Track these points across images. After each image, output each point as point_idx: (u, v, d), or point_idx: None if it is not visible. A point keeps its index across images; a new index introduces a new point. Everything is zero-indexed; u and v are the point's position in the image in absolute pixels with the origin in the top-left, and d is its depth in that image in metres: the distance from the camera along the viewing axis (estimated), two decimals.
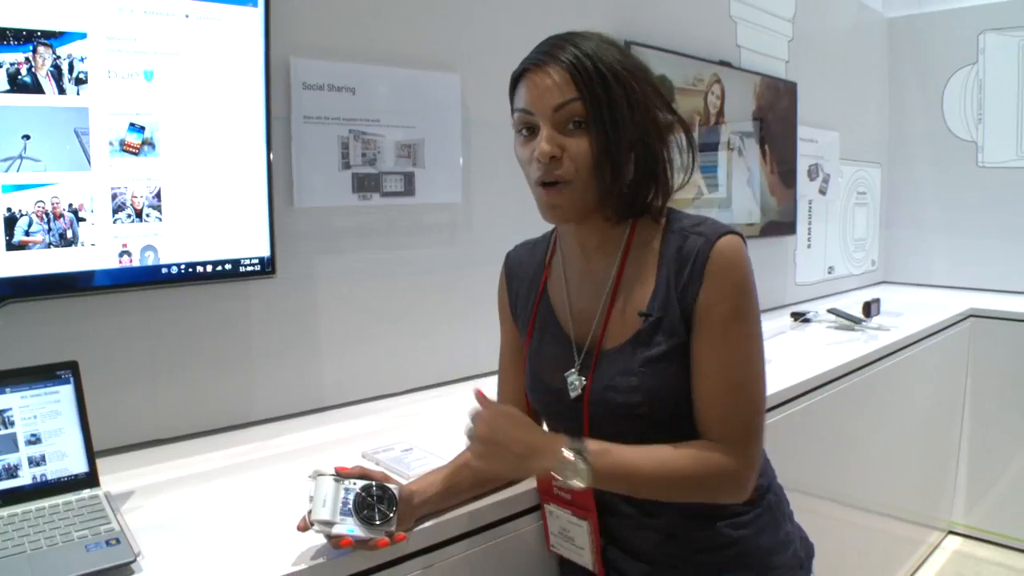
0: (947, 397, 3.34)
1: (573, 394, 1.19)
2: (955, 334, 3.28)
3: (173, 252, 1.58)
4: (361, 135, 1.88)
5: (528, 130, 1.14)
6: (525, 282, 1.34)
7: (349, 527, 1.10)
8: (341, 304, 1.90)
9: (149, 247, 1.56)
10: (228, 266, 1.66)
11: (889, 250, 4.18)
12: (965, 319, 3.37)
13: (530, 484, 1.35)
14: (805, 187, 3.58)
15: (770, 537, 1.22)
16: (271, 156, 1.69)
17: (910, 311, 3.27)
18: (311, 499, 1.11)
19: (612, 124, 1.09)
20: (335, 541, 1.09)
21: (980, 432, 3.43)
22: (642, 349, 1.14)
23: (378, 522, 1.11)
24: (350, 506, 1.11)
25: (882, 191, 4.18)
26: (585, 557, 1.24)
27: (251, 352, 1.77)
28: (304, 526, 1.10)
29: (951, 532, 3.54)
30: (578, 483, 1.08)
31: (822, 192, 3.72)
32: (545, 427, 1.29)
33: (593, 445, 1.10)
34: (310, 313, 1.86)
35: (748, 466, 1.11)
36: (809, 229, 3.69)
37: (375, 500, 1.13)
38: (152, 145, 1.54)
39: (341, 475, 1.14)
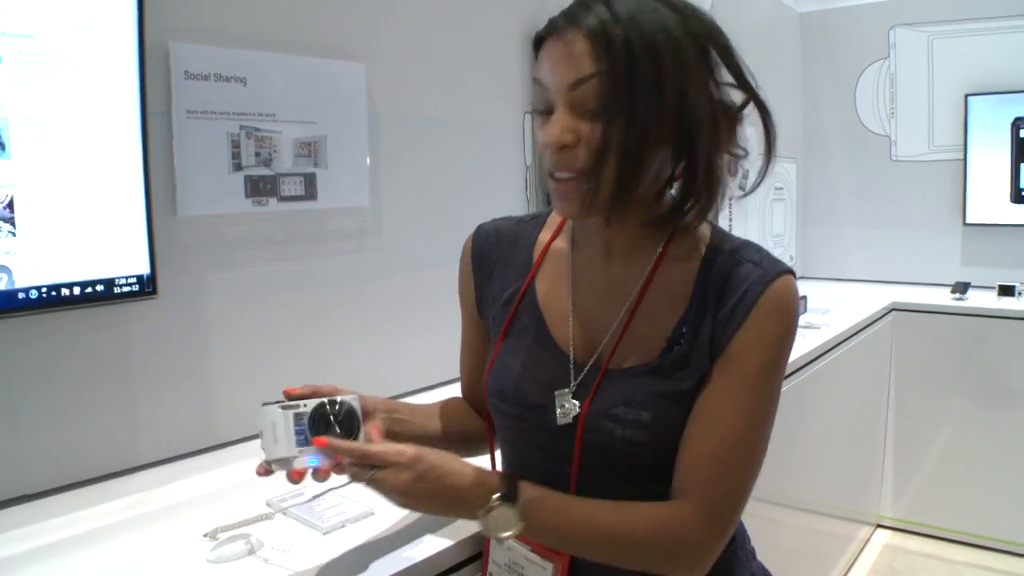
0: (872, 392, 3.32)
1: (562, 420, 1.00)
2: (879, 329, 3.25)
3: (32, 273, 1.34)
4: (254, 132, 1.66)
5: (545, 111, 0.94)
6: (504, 268, 1.13)
7: (311, 458, 0.97)
8: (236, 325, 1.68)
9: (2, 268, 1.31)
10: (100, 287, 1.43)
11: (807, 245, 4.16)
12: (888, 313, 3.35)
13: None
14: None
15: None
16: (148, 157, 1.46)
17: (834, 307, 3.23)
18: (260, 435, 0.99)
19: (631, 111, 0.88)
20: (294, 476, 0.98)
21: (904, 425, 3.43)
22: (660, 380, 0.96)
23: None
24: (306, 434, 0.98)
25: (798, 186, 4.16)
26: None
27: (132, 386, 1.53)
28: (264, 470, 0.98)
29: (879, 526, 3.53)
30: (503, 535, 0.91)
31: (742, 188, 3.66)
32: (499, 445, 1.14)
33: (529, 491, 0.93)
34: (200, 337, 1.63)
35: (716, 543, 0.94)
36: (730, 227, 3.62)
37: (332, 419, 1.00)
38: (1, 146, 1.29)
39: (290, 399, 1.00)
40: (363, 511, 1.29)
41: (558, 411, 0.99)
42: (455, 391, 1.30)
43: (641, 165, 0.90)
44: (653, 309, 1.00)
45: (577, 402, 0.99)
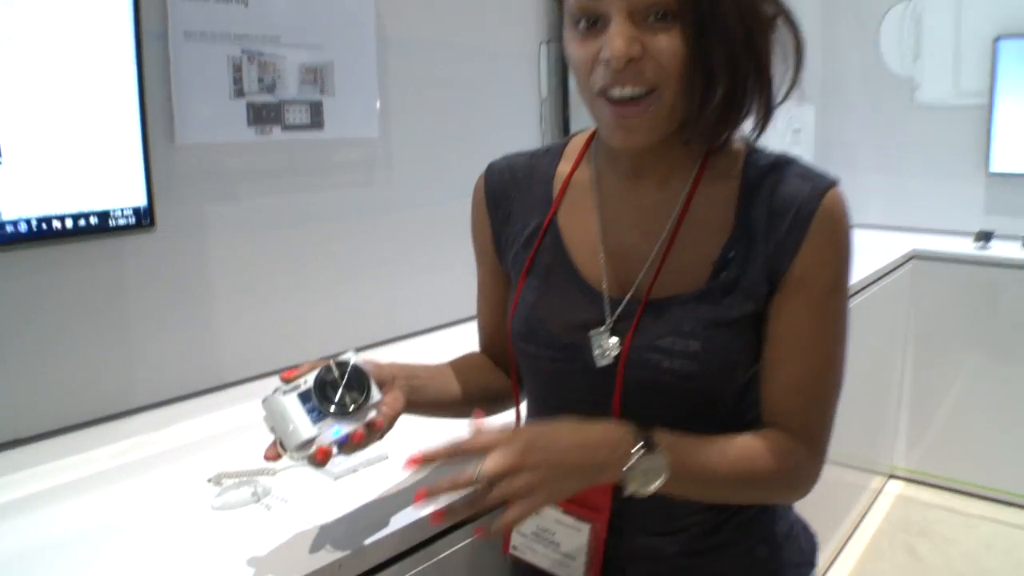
0: (889, 340, 3.24)
1: (602, 362, 0.91)
2: (898, 277, 3.16)
3: (18, 204, 1.26)
4: (257, 56, 1.55)
5: (589, 21, 0.84)
6: (522, 206, 1.04)
7: (334, 429, 0.88)
8: (237, 260, 1.59)
9: None
10: (94, 219, 1.35)
11: None
12: (907, 261, 3.26)
13: None
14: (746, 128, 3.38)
15: (776, 532, 1.02)
16: (144, 81, 1.36)
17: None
18: (273, 430, 0.89)
19: (712, 17, 0.80)
20: (319, 457, 0.87)
21: (920, 374, 3.36)
22: (709, 308, 0.89)
23: (351, 408, 0.90)
24: (318, 408, 0.88)
25: (816, 130, 4.03)
26: (575, 570, 0.98)
27: (128, 324, 1.45)
28: (275, 454, 0.88)
29: (892, 476, 3.48)
30: (648, 490, 0.83)
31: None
32: (525, 399, 1.06)
33: (662, 436, 0.85)
34: (200, 273, 1.54)
35: (821, 465, 0.94)
36: None
37: (337, 381, 0.90)
38: None
39: (287, 383, 0.89)
40: (376, 454, 1.22)
41: (595, 351, 0.91)
42: (467, 331, 1.22)
43: (716, 77, 0.83)
44: (694, 233, 0.92)
45: (616, 339, 0.91)
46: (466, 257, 1.15)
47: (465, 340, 1.21)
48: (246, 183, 1.59)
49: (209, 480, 1.17)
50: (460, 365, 1.13)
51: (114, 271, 1.43)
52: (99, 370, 1.42)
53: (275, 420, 0.88)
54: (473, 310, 1.17)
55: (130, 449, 1.32)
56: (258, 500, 1.12)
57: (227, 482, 1.17)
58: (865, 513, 3.19)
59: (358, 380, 0.90)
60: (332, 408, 0.88)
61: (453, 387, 1.08)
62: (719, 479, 0.88)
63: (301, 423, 0.86)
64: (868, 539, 3.04)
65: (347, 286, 1.79)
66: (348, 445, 0.88)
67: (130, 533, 1.05)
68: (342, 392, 0.89)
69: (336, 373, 0.90)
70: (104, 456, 1.29)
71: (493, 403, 1.12)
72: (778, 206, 0.88)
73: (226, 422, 1.42)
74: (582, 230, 0.99)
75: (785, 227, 0.88)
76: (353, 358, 0.92)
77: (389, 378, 0.96)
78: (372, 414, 0.91)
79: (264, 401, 0.89)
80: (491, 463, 0.78)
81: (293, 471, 1.19)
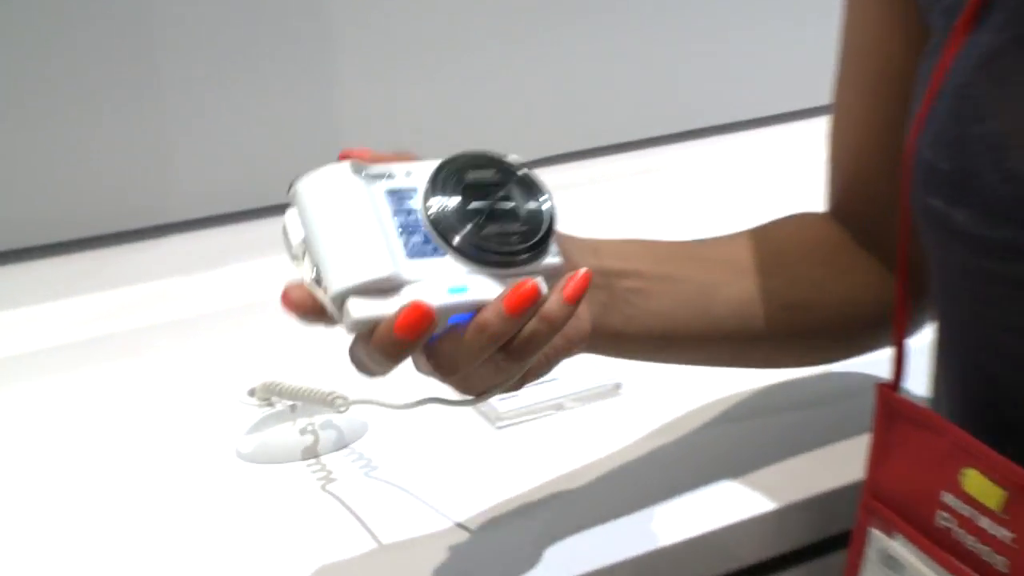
0: None
1: None
2: None
3: None
4: None
5: None
6: None
7: (458, 285, 0.36)
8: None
9: None
10: None
11: None
12: None
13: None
14: None
15: None
16: None
17: None
18: (301, 250, 0.36)
19: None
20: (401, 334, 0.34)
21: None
22: None
23: (507, 255, 0.37)
24: (424, 232, 0.36)
25: None
26: None
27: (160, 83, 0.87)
28: (304, 303, 0.35)
29: None
30: None
31: None
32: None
33: None
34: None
35: None
36: None
37: (490, 193, 0.38)
38: None
39: (363, 166, 0.37)
40: (598, 384, 0.62)
41: None
42: None
43: None
44: None
45: None
46: None
47: None
48: None
49: (250, 393, 0.61)
50: (759, 250, 0.52)
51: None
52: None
53: (315, 228, 0.36)
54: None
55: (136, 304, 0.78)
56: (315, 457, 0.55)
57: (276, 405, 0.60)
58: None
59: (530, 212, 0.38)
60: (465, 238, 0.36)
61: (721, 302, 0.50)
62: None
63: (373, 243, 0.35)
64: None
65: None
66: (476, 332, 0.35)
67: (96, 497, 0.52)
68: (495, 218, 0.37)
69: (491, 173, 0.38)
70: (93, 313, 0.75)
71: (849, 335, 0.54)
72: None
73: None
74: None
75: None
76: (536, 180, 0.39)
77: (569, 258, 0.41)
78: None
79: (294, 188, 0.37)
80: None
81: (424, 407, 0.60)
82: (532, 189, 0.38)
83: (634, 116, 1.10)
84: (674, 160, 1.08)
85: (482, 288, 0.36)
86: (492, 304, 0.35)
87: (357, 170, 0.36)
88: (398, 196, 0.37)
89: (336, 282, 0.34)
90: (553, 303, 0.36)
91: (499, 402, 0.60)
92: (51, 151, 0.84)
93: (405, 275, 0.35)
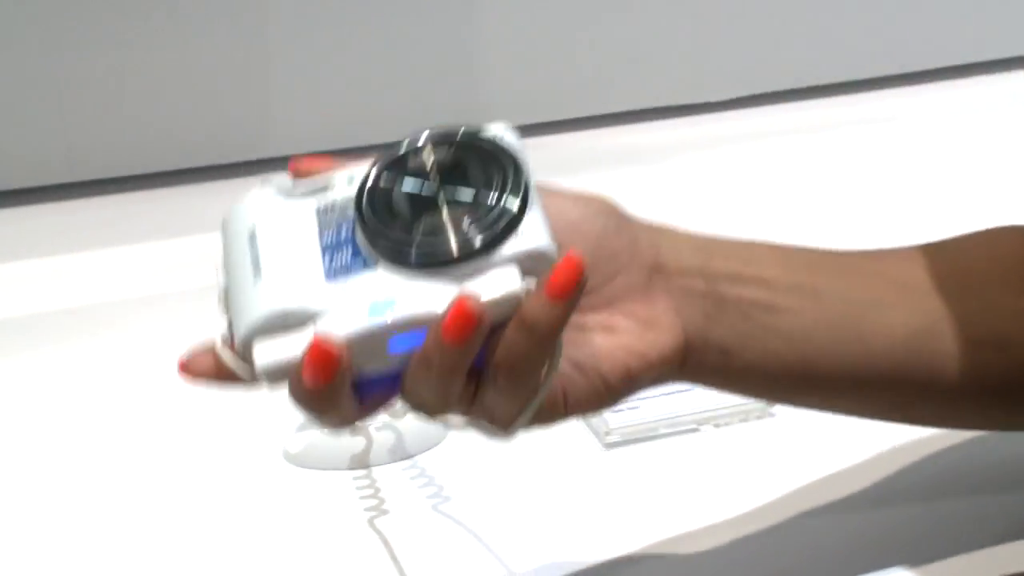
0: None
1: None
2: None
3: None
4: None
5: None
6: None
7: (378, 297, 0.26)
8: None
9: None
10: None
11: None
12: None
13: None
14: None
15: None
16: None
17: None
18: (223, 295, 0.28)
19: None
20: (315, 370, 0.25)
21: None
22: None
23: (478, 242, 0.26)
24: (352, 240, 0.27)
25: None
26: None
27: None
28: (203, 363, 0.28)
29: None
30: None
31: None
32: None
33: None
34: None
35: None
36: None
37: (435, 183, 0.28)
38: None
39: (300, 176, 0.29)
40: (745, 401, 0.47)
41: None
42: None
43: None
44: None
45: None
46: None
47: None
48: None
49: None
50: (938, 267, 0.37)
51: None
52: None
53: (227, 270, 0.29)
54: None
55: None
56: (365, 468, 0.44)
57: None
58: None
59: (496, 188, 0.27)
60: (395, 235, 0.27)
61: (883, 329, 0.35)
62: None
63: (279, 275, 0.27)
64: None
65: None
66: (419, 367, 0.26)
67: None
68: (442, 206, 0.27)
69: (445, 152, 0.28)
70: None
71: None
72: None
73: None
74: None
75: None
76: (496, 132, 0.29)
77: (623, 250, 0.31)
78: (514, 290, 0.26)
79: (226, 218, 0.30)
80: None
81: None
82: (501, 161, 0.28)
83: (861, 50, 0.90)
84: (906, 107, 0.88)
85: (417, 297, 0.26)
86: (431, 327, 0.25)
87: (284, 190, 0.29)
88: (331, 210, 0.28)
89: (239, 328, 0.27)
90: (534, 304, 0.26)
91: (611, 414, 0.46)
92: (158, 77, 0.78)
93: (315, 303, 0.26)
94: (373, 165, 0.28)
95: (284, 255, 0.27)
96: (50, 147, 0.77)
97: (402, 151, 0.28)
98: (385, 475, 0.44)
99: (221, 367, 0.27)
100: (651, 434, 0.46)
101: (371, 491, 0.42)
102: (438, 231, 0.26)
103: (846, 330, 0.35)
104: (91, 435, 0.50)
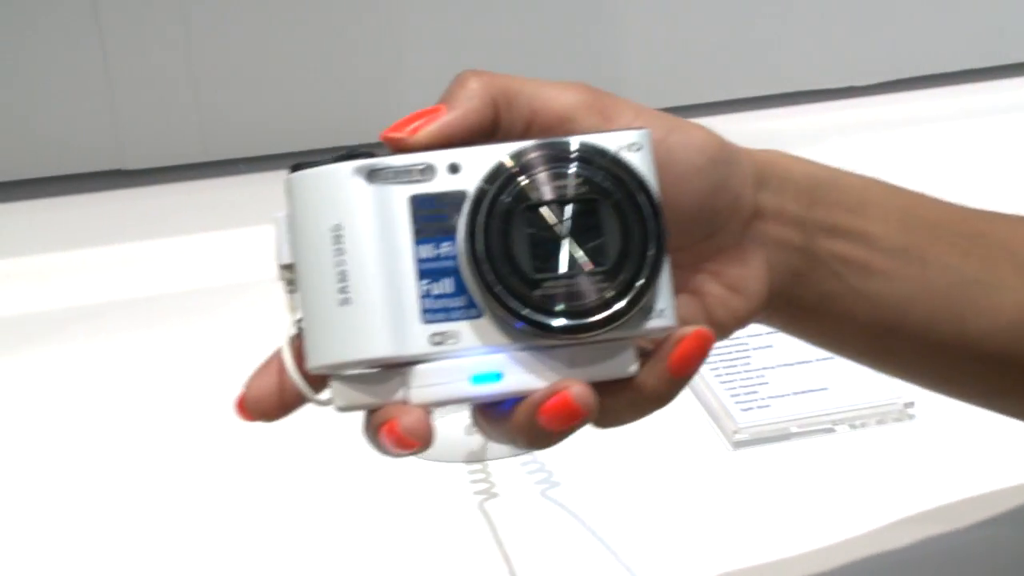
0: None
1: None
2: None
3: None
4: None
5: None
6: None
7: (482, 367, 0.24)
8: None
9: None
10: None
11: None
12: None
13: None
14: None
15: None
16: None
17: None
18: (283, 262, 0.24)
19: None
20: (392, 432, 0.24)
21: None
22: None
23: (600, 314, 0.23)
24: (456, 265, 0.24)
25: None
26: None
27: None
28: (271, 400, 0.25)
29: None
30: None
31: None
32: None
33: None
34: None
35: None
36: None
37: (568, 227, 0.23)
38: None
39: (383, 162, 0.24)
40: (882, 402, 0.45)
41: None
42: None
43: None
44: None
45: None
46: None
47: None
48: None
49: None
50: None
51: None
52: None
53: (307, 253, 0.24)
54: None
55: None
56: (481, 462, 0.43)
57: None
58: None
59: (626, 242, 0.23)
60: (510, 289, 0.23)
61: (989, 312, 0.31)
62: None
63: (365, 301, 0.23)
64: None
65: None
66: (510, 434, 0.24)
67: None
68: (569, 256, 0.23)
69: (577, 173, 0.23)
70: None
71: None
72: None
73: None
74: None
75: None
76: (621, 144, 0.24)
77: (725, 207, 0.27)
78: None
79: (288, 181, 0.24)
80: None
81: None
82: (635, 198, 0.24)
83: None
84: None
85: (525, 373, 0.24)
86: (524, 407, 0.24)
87: (369, 173, 0.24)
88: (428, 205, 0.24)
89: (317, 355, 0.24)
90: (649, 376, 0.24)
91: (741, 412, 0.44)
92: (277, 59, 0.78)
93: (410, 350, 0.23)
94: (484, 180, 0.23)
95: (377, 273, 0.23)
96: (183, 129, 0.78)
97: (510, 164, 0.24)
98: (501, 470, 0.43)
99: (284, 387, 0.25)
100: (782, 433, 0.44)
101: (484, 484, 0.42)
102: (558, 298, 0.23)
103: (946, 309, 0.31)
104: (201, 414, 0.50)
